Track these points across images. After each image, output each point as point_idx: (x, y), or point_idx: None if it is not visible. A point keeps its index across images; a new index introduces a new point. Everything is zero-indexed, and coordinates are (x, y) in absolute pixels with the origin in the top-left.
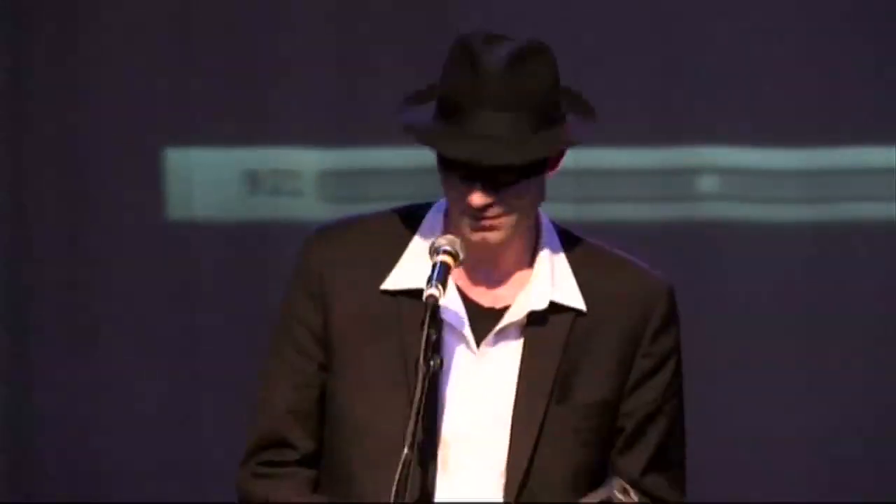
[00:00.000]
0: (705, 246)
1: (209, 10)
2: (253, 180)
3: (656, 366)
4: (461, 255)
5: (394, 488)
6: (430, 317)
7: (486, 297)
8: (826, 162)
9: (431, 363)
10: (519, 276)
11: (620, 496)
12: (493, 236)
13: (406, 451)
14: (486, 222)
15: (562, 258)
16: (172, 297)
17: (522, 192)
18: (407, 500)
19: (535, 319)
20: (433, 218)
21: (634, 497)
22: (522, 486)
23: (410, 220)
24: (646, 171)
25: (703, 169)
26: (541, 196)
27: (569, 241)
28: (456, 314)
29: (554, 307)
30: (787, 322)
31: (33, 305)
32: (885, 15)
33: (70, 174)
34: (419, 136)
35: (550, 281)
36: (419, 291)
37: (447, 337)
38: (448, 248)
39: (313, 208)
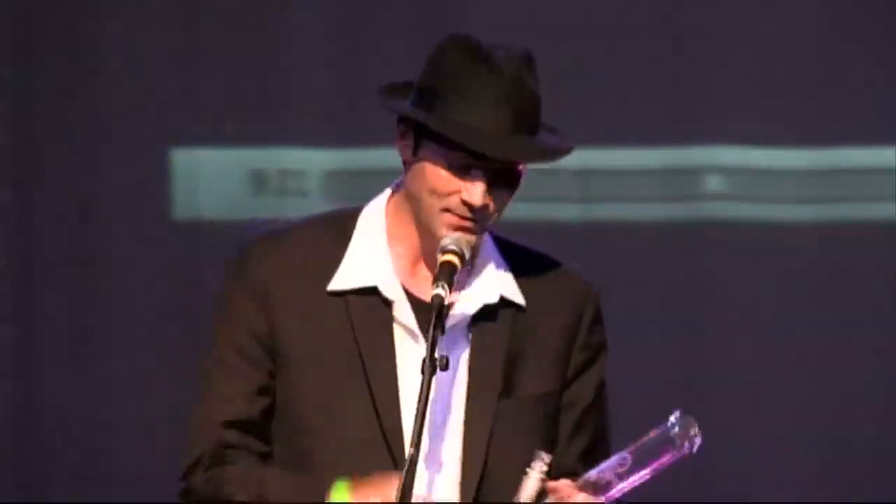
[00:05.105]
0: (710, 245)
1: (215, 10)
2: (259, 180)
3: (591, 358)
4: (467, 256)
5: (399, 487)
6: (437, 317)
7: (430, 294)
8: (830, 162)
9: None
10: (461, 273)
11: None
12: (471, 239)
13: (412, 450)
14: (471, 224)
15: (499, 257)
16: (178, 297)
17: (513, 193)
18: (404, 499)
19: (481, 314)
20: (372, 217)
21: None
22: (479, 478)
23: (346, 221)
24: (650, 170)
25: (707, 168)
26: None
27: (502, 242)
28: (405, 312)
29: (499, 302)
30: (791, 321)
31: (38, 305)
32: (886, 15)
33: (76, 174)
34: (445, 129)
35: (495, 276)
36: (366, 290)
37: (398, 334)
38: (454, 247)
39: (319, 208)
